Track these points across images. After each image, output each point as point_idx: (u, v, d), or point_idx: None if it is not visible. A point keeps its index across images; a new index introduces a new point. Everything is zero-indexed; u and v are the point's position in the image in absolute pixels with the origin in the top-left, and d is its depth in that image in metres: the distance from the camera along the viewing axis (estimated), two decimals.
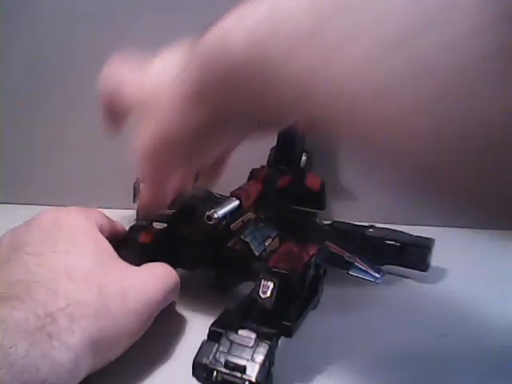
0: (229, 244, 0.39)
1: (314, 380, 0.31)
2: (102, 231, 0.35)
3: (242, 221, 0.42)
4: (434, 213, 0.54)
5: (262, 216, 0.43)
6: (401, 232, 0.46)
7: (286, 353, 0.31)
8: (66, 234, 0.33)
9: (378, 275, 0.39)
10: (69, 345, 0.25)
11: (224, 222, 0.40)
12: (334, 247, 0.40)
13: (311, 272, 0.33)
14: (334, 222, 0.48)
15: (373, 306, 0.40)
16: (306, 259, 0.33)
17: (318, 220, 0.47)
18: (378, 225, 0.47)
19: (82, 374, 0.26)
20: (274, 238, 0.41)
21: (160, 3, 0.52)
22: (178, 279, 0.35)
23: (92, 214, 0.36)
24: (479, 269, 0.47)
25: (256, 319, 0.31)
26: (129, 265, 0.33)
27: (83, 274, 0.29)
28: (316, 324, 0.36)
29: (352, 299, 0.40)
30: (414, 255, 0.44)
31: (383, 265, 0.43)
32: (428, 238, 0.45)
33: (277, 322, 0.31)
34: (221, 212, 0.35)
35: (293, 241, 0.36)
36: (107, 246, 0.34)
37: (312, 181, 0.47)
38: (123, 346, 0.30)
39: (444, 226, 0.55)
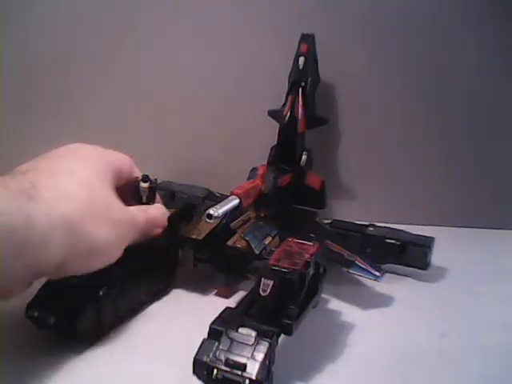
0: (229, 242, 0.39)
1: (314, 378, 0.31)
2: (120, 175, 0.36)
3: (242, 219, 0.42)
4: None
5: (262, 214, 0.43)
6: (401, 231, 0.46)
7: (287, 351, 0.31)
8: (75, 158, 0.34)
9: (378, 274, 0.39)
10: (46, 213, 0.28)
11: (224, 221, 0.40)
12: (334, 246, 0.40)
13: (311, 270, 0.33)
14: (335, 220, 0.48)
15: (373, 304, 0.40)
16: (306, 258, 0.33)
17: (318, 219, 0.47)
18: (379, 224, 0.47)
19: (52, 251, 0.28)
20: (274, 236, 0.41)
21: (160, 3, 0.52)
22: (166, 218, 0.39)
23: (113, 158, 0.37)
24: (479, 268, 0.47)
25: (256, 317, 0.31)
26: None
27: (80, 177, 0.32)
28: (316, 322, 0.35)
29: (352, 298, 0.40)
30: (414, 254, 0.44)
31: (384, 263, 0.43)
32: (428, 237, 0.45)
33: (277, 320, 0.31)
34: (221, 210, 0.35)
35: (293, 239, 0.36)
36: (109, 179, 0.35)
37: (312, 180, 0.47)
38: (99, 254, 0.32)
39: (444, 226, 0.55)
